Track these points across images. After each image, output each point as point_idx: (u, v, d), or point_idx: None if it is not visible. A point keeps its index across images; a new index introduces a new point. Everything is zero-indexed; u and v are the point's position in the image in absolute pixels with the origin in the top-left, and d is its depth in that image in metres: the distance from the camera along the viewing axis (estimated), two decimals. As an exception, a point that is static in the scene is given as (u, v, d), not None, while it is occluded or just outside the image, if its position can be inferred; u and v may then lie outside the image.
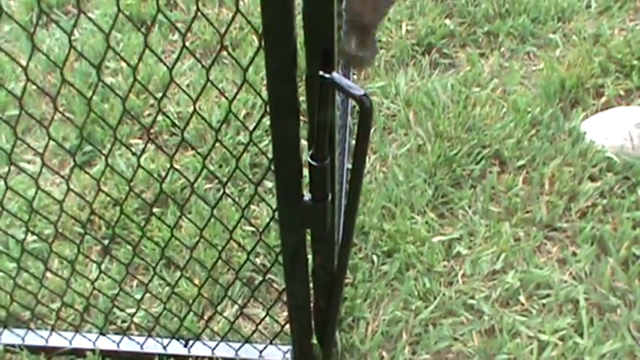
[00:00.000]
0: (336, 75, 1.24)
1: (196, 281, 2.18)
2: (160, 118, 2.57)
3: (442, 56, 2.85)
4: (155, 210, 2.36)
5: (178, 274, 2.17)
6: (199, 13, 1.25)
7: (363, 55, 1.16)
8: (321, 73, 1.25)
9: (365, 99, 1.25)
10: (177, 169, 1.60)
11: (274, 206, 1.54)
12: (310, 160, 1.39)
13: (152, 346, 2.03)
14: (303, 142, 1.43)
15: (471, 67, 2.78)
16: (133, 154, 2.34)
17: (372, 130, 2.58)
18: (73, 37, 1.22)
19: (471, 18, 2.95)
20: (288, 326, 1.91)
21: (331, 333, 1.87)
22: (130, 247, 2.24)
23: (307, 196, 1.49)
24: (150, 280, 2.02)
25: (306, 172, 1.45)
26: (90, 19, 1.22)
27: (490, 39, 2.90)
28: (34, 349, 2.05)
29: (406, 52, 2.83)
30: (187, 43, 2.49)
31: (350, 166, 2.41)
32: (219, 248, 1.84)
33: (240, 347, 1.99)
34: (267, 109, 1.32)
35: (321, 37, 1.21)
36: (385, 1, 1.12)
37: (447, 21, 2.94)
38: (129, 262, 1.88)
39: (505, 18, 2.94)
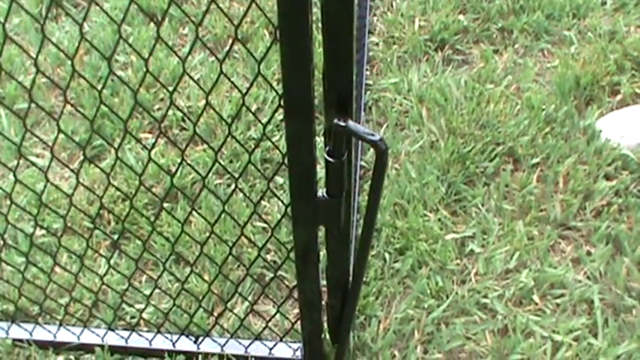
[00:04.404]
0: (352, 123, 1.30)
1: (206, 277, 2.16)
2: (170, 112, 2.55)
3: (455, 52, 2.83)
4: (165, 205, 2.34)
5: (188, 269, 2.15)
6: (212, 6, 1.23)
7: None
8: (336, 121, 1.28)
9: (380, 143, 1.30)
10: (188, 164, 1.58)
11: (287, 202, 1.52)
12: (327, 157, 1.37)
13: (161, 342, 2.01)
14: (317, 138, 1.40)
15: (484, 64, 2.75)
16: (144, 147, 2.32)
17: (384, 127, 2.56)
18: (82, 31, 1.20)
19: (484, 14, 2.92)
20: (298, 323, 1.89)
21: (346, 334, 1.85)
22: (139, 242, 2.23)
23: (320, 192, 1.47)
24: (159, 276, 2.00)
25: (319, 167, 1.43)
26: (103, 9, 1.20)
27: (504, 35, 2.87)
28: (42, 344, 2.04)
29: (419, 48, 2.80)
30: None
31: (363, 163, 2.41)
32: (230, 244, 1.82)
33: (250, 344, 1.98)
34: (282, 103, 1.30)
35: (338, 83, 1.24)
36: None
37: (461, 17, 2.91)
38: (138, 258, 1.86)
39: (519, 14, 2.91)
